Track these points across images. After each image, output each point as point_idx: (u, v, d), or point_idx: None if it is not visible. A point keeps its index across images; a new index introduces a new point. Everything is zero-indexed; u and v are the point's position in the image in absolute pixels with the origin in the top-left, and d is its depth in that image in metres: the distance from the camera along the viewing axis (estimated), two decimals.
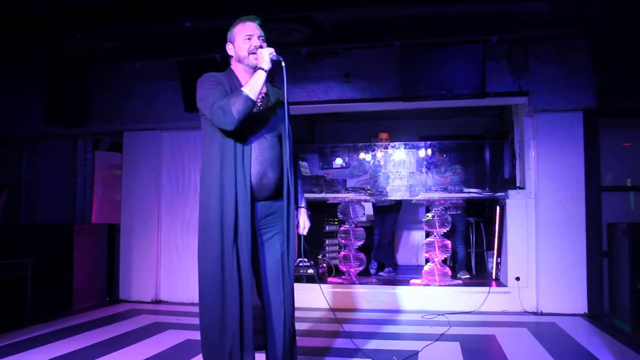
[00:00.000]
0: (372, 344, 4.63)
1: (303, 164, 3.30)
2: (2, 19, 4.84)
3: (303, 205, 3.38)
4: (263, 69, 3.00)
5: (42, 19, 5.39)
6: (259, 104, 3.15)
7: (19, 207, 7.75)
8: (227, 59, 3.23)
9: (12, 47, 5.94)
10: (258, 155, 3.08)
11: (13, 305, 5.83)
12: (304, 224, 3.36)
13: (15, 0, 4.88)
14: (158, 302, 6.87)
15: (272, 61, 3.03)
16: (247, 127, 3.04)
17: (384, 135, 8.08)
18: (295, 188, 3.22)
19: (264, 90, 3.18)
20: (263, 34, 3.15)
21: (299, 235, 3.43)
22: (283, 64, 2.99)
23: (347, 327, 5.25)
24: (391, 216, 7.72)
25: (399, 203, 7.68)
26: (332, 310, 5.98)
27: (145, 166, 7.05)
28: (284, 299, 3.12)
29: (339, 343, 4.66)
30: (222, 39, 3.23)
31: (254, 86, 2.97)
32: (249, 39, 3.11)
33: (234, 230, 3.00)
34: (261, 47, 3.09)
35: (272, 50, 3.03)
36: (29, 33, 5.65)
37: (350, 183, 8.18)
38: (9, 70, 7.01)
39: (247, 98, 2.94)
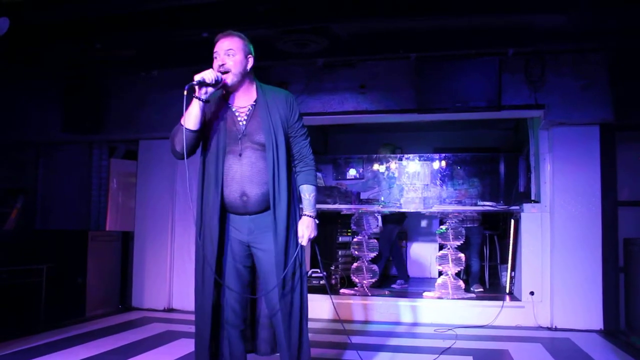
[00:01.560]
0: (384, 357, 4.61)
1: (317, 174, 3.28)
2: (21, 27, 4.89)
3: (308, 213, 3.22)
4: (197, 97, 2.96)
5: (62, 28, 5.45)
6: (244, 119, 3.11)
7: (34, 213, 7.82)
8: (213, 59, 3.16)
9: (31, 55, 6.01)
10: (235, 173, 3.06)
11: (27, 311, 5.86)
12: (302, 233, 3.18)
13: (35, 9, 4.93)
14: (170, 310, 6.87)
15: (197, 87, 2.93)
16: (220, 145, 3.07)
17: (389, 147, 8.05)
18: (289, 197, 3.12)
19: (252, 100, 3.15)
20: (232, 46, 3.04)
21: (312, 246, 3.31)
22: (185, 92, 2.87)
23: (359, 339, 5.22)
24: (392, 227, 7.66)
25: (401, 215, 7.62)
26: (341, 321, 5.96)
27: (159, 174, 7.07)
28: (283, 307, 3.11)
29: (349, 355, 4.64)
30: None
31: (188, 116, 2.97)
32: (215, 58, 3.08)
33: (202, 245, 3.11)
34: (223, 64, 3.01)
35: (202, 74, 2.93)
36: (48, 41, 5.71)
37: (362, 195, 8.15)
38: (27, 76, 7.10)
39: (184, 129, 2.97)
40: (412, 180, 7.50)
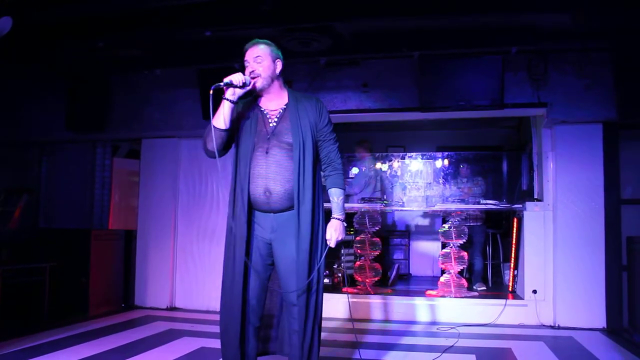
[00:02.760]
0: (386, 355, 4.62)
1: (321, 173, 3.31)
2: (24, 26, 4.90)
3: (336, 216, 3.29)
4: (225, 98, 3.11)
5: (65, 27, 5.47)
6: (274, 121, 3.21)
7: (37, 212, 7.84)
8: (245, 68, 3.26)
9: (35, 53, 6.02)
10: (261, 169, 3.14)
11: (30, 309, 5.89)
12: (330, 235, 3.25)
13: (38, 8, 4.94)
14: (173, 309, 6.88)
15: (226, 88, 3.09)
16: (249, 144, 3.17)
17: (364, 145, 8.01)
18: (314, 198, 3.17)
19: (283, 104, 3.25)
20: (260, 53, 3.18)
21: (339, 247, 3.38)
22: (210, 92, 2.99)
23: (361, 338, 5.22)
24: None
25: None
26: (352, 320, 5.96)
27: (162, 173, 7.09)
28: (300, 307, 3.14)
29: (354, 354, 4.64)
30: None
31: (218, 115, 3.12)
32: (246, 66, 3.21)
33: (233, 240, 3.19)
34: (253, 70, 3.16)
35: (230, 77, 3.08)
36: (51, 40, 5.72)
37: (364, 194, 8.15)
38: (31, 76, 7.12)
39: (214, 128, 3.11)
40: (415, 179, 7.50)
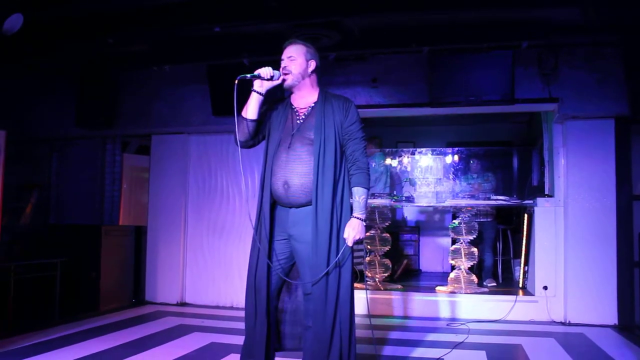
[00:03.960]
0: (396, 350, 4.62)
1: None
2: (35, 22, 4.92)
3: (356, 215, 3.22)
4: (253, 90, 3.23)
5: (75, 23, 5.48)
6: (301, 118, 3.28)
7: (48, 208, 7.89)
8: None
9: (44, 51, 6.04)
10: (282, 162, 3.20)
11: (41, 304, 5.93)
12: (348, 234, 3.18)
13: (48, 5, 4.95)
14: (183, 304, 6.91)
15: (252, 81, 3.22)
16: (276, 139, 3.26)
17: (374, 141, 7.99)
18: (334, 194, 3.16)
19: (312, 102, 3.32)
20: (293, 53, 3.28)
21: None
22: (236, 81, 3.09)
23: (370, 333, 5.21)
24: None
25: None
26: (370, 316, 5.95)
27: (172, 169, 7.11)
28: (312, 302, 3.15)
29: (367, 349, 4.64)
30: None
31: (247, 106, 3.27)
32: (281, 64, 3.31)
33: (259, 233, 3.26)
34: (285, 67, 3.27)
35: (259, 70, 3.19)
36: (60, 37, 5.74)
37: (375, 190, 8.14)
38: (41, 72, 7.14)
39: (242, 118, 3.26)
40: (425, 175, 7.47)
